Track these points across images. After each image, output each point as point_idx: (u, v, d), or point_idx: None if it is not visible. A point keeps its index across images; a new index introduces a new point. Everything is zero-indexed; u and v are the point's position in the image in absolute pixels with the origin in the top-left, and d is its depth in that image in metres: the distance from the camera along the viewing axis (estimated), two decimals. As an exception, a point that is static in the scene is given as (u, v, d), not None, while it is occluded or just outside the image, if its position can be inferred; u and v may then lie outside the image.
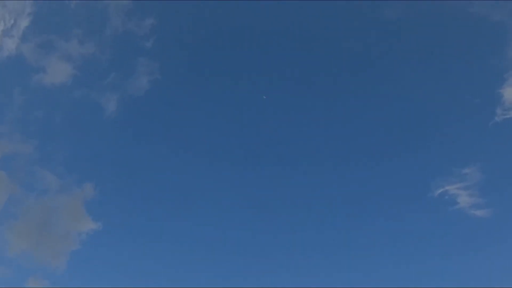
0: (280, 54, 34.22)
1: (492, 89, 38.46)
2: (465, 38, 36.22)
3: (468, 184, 37.71)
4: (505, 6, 35.70)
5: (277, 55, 34.15)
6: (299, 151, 34.31)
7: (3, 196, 30.06)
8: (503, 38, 35.85)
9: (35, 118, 31.77)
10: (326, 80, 35.23)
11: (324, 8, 34.34)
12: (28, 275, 28.40)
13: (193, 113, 32.61)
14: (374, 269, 34.16)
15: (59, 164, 30.90)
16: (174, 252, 30.37)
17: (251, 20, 33.79)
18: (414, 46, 35.85)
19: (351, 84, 35.51)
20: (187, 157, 31.86)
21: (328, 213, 34.68)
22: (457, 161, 37.96)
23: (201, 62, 33.47)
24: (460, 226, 37.41)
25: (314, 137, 35.02)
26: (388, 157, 36.38)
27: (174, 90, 33.12)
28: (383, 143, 36.51)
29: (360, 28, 35.12)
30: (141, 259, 30.15)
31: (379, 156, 36.09)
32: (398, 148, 37.00)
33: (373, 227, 35.31)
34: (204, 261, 30.32)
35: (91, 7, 32.80)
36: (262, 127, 32.95)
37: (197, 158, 31.83)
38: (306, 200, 33.82)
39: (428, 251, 36.26)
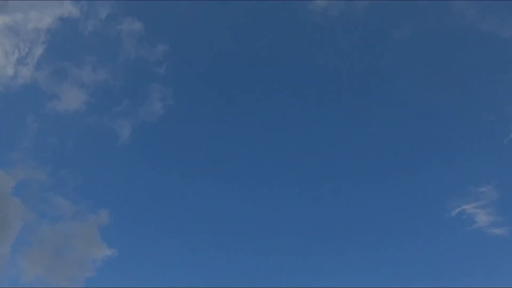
0: (296, 77, 34.59)
1: (506, 106, 38.12)
2: (477, 55, 36.07)
3: (485, 202, 37.23)
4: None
5: (293, 78, 34.41)
6: (314, 170, 34.18)
7: (18, 223, 30.11)
8: (515, 55, 35.75)
9: (49, 144, 31.98)
10: (339, 97, 35.35)
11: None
12: (43, 302, 28.30)
13: (207, 138, 32.75)
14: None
15: (73, 190, 30.95)
16: (189, 280, 30.14)
17: (264, 45, 34.14)
18: (426, 64, 35.80)
19: (364, 101, 35.51)
20: (202, 183, 31.86)
21: (343, 233, 34.31)
22: (472, 180, 37.47)
23: (215, 88, 33.69)
24: (479, 246, 36.75)
25: (326, 154, 34.89)
26: (403, 177, 36.02)
27: (188, 115, 33.26)
28: (397, 163, 36.23)
29: (372, 46, 35.26)
30: (155, 286, 29.98)
31: (394, 176, 35.77)
32: (413, 168, 36.64)
33: (390, 249, 34.83)
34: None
35: (104, 34, 33.23)
36: (278, 151, 33.00)
37: (211, 184, 31.84)
38: (318, 220, 33.63)
39: (448, 272, 35.60)
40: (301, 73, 34.69)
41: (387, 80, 36.26)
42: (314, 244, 32.77)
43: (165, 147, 32.48)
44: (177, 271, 30.31)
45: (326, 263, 32.65)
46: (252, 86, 33.78)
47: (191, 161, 32.47)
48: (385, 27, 35.21)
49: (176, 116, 32.77)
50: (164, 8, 34.14)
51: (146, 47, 32.71)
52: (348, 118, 35.51)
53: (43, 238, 30.40)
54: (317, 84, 34.89)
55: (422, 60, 36.55)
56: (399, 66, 36.02)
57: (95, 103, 32.42)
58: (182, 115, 32.96)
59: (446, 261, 36.00)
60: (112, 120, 31.95)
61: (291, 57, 34.77)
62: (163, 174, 31.99)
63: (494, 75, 36.72)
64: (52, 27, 32.99)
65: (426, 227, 36.30)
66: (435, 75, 36.58)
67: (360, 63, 35.30)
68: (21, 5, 32.90)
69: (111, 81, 32.52)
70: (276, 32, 34.56)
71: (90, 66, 32.47)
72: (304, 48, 34.88)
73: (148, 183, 31.68)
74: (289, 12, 34.71)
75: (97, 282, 29.76)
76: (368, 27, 35.64)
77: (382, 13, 35.16)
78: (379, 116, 35.87)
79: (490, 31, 36.03)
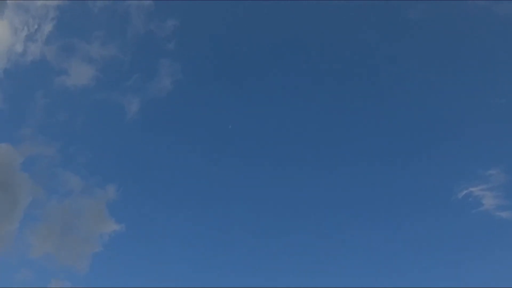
0: (303, 51, 34.15)
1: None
2: (491, 38, 35.63)
3: (492, 185, 36.97)
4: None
5: (299, 53, 34.04)
6: (320, 151, 34.10)
7: (27, 198, 30.25)
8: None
9: (58, 120, 32.07)
10: (346, 78, 35.04)
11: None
12: (51, 276, 28.49)
13: (216, 114, 32.67)
14: (399, 272, 33.70)
15: (81, 166, 31.07)
16: (196, 254, 30.29)
17: (273, 20, 33.82)
18: (438, 47, 35.44)
19: (373, 83, 35.28)
20: (211, 158, 31.88)
21: (352, 216, 34.31)
22: (481, 163, 37.23)
23: (224, 63, 33.52)
24: (486, 228, 36.63)
25: (334, 137, 34.81)
26: (412, 159, 35.88)
27: (197, 91, 33.17)
28: (407, 145, 36.05)
29: (383, 27, 34.88)
30: (163, 261, 30.15)
31: (403, 158, 35.65)
32: (422, 150, 36.44)
33: (397, 230, 34.79)
34: (227, 263, 30.25)
35: (113, 9, 33.06)
36: (286, 127, 32.84)
37: (220, 159, 31.85)
38: (325, 201, 33.60)
39: (454, 253, 35.54)
40: (308, 50, 34.53)
41: (397, 61, 35.94)
42: (319, 223, 32.89)
43: (174, 122, 32.49)
44: (185, 247, 30.52)
45: (332, 239, 32.69)
46: (261, 62, 33.64)
47: (199, 136, 32.49)
48: (399, 8, 34.80)
49: (185, 91, 32.71)
50: (173, -17, 33.93)
51: (155, 22, 32.56)
52: (358, 99, 35.29)
53: (51, 214, 30.65)
54: (322, 62, 34.75)
55: (434, 42, 36.16)
56: (410, 47, 35.68)
57: (104, 78, 32.37)
58: (191, 90, 32.92)
59: (451, 243, 35.94)
60: (121, 95, 31.96)
61: (299, 32, 34.47)
62: (171, 150, 32.07)
63: (507, 59, 36.30)
64: (61, 3, 32.90)
65: (433, 209, 36.19)
66: (447, 57, 36.25)
67: (370, 42, 34.99)
68: (30, -19, 32.78)
69: (120, 56, 32.47)
70: (285, 10, 34.27)
71: (99, 42, 32.37)
72: (314, 28, 34.68)
73: (156, 158, 31.76)
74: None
75: (104, 257, 30.02)
76: (381, 8, 35.25)
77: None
78: (389, 97, 35.71)
79: (504, 14, 35.58)
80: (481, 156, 36.91)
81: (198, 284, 29.05)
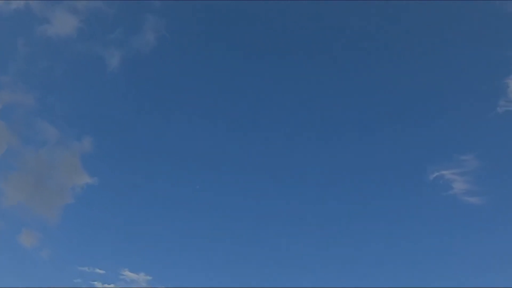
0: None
1: (498, 79, 38.32)
2: (475, 26, 35.98)
3: (464, 170, 37.73)
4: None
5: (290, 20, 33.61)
6: (297, 122, 34.20)
7: (2, 146, 30.07)
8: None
9: (38, 69, 31.63)
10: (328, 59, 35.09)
11: None
12: (22, 227, 28.68)
13: (199, 73, 32.52)
14: (364, 250, 34.52)
15: (59, 116, 30.90)
16: (168, 214, 30.59)
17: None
18: (421, 30, 35.71)
19: (352, 66, 35.43)
20: (189, 119, 31.91)
21: (320, 192, 34.87)
22: (456, 147, 37.93)
23: (210, 22, 33.18)
24: (453, 212, 37.52)
25: (313, 114, 34.94)
26: (388, 137, 36.41)
27: (181, 49, 32.86)
28: (384, 123, 36.51)
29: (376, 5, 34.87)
30: (135, 218, 30.44)
31: (379, 135, 36.13)
32: (398, 129, 37.05)
33: (366, 205, 35.58)
34: (200, 223, 30.51)
35: (101, -39, 32.42)
36: (269, 91, 32.78)
37: (200, 119, 31.87)
38: (292, 177, 33.86)
39: (419, 234, 36.50)
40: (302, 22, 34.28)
41: (378, 44, 36.16)
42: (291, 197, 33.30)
43: (155, 79, 32.28)
44: (156, 205, 30.79)
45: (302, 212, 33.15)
46: (249, 20, 33.24)
47: (180, 95, 32.42)
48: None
49: (168, 48, 32.42)
50: None
51: (142, -24, 32.08)
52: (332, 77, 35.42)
53: (26, 163, 30.55)
54: (316, 37, 34.66)
55: (416, 25, 36.36)
56: (392, 29, 35.83)
57: (87, 30, 31.88)
58: (174, 48, 32.60)
59: (416, 223, 36.86)
60: (103, 48, 31.56)
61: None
62: (150, 107, 32.02)
63: (491, 47, 36.70)
64: (47, -51, 32.18)
65: (403, 187, 36.98)
66: (429, 41, 36.56)
67: (363, 19, 34.97)
68: None
69: (105, 8, 31.96)
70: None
71: (85, -7, 31.83)
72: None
73: (134, 114, 31.71)
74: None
75: (75, 209, 30.19)
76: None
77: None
78: (364, 78, 35.98)
79: (491, 3, 35.94)
80: (456, 141, 37.63)
81: (167, 245, 29.73)
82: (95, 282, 28.17)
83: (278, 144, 32.89)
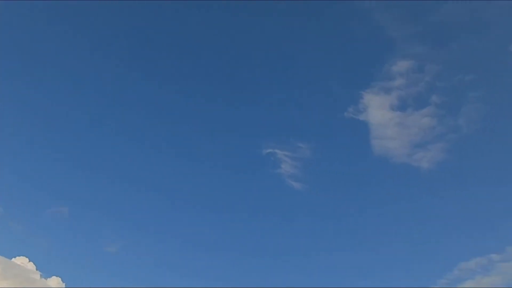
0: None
1: (352, 88, 42.98)
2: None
3: (296, 155, 41.90)
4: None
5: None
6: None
7: None
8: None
9: None
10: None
11: None
12: None
13: None
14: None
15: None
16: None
17: None
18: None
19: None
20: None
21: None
22: (295, 133, 42.00)
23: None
24: (274, 189, 41.83)
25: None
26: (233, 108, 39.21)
27: None
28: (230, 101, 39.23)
29: None
30: None
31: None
32: (246, 100, 40.03)
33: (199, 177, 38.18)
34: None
35: None
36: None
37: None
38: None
39: (238, 203, 40.31)
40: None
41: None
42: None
43: None
44: None
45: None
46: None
47: None
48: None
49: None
50: None
51: None
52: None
53: None
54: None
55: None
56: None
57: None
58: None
59: (241, 193, 40.61)
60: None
61: None
62: None
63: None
64: None
65: (238, 159, 40.34)
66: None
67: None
68: None
69: None
70: None
71: None
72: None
73: None
74: None
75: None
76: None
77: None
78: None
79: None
80: (298, 127, 41.65)
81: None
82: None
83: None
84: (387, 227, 42.22)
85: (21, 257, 34.15)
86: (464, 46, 43.60)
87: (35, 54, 43.13)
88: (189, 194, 38.88)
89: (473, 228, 41.09)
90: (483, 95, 42.31)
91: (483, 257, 37.09)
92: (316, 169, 41.61)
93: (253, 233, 39.19)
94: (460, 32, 44.55)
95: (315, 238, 41.14)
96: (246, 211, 39.22)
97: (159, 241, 37.13)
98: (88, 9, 42.46)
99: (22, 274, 32.41)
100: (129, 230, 38.14)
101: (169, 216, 39.03)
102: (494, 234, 39.81)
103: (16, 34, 42.02)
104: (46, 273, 34.55)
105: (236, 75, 41.35)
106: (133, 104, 40.90)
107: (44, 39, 43.34)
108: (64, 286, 35.43)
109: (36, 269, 34.14)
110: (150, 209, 39.57)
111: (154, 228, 38.33)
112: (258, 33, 41.16)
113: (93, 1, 44.97)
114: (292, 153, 40.10)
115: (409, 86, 43.26)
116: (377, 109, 42.42)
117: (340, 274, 38.42)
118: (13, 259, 33.62)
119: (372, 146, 42.38)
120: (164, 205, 39.03)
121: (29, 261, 34.17)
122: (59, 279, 35.45)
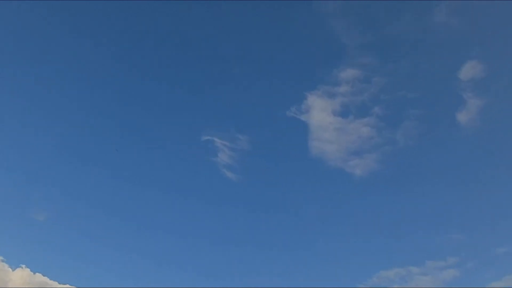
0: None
1: (300, 91, 43.97)
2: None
3: (235, 146, 42.57)
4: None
5: None
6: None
7: None
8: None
9: None
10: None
11: None
12: None
13: None
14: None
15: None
16: None
17: None
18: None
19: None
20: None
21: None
22: (234, 124, 42.80)
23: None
24: (206, 174, 42.51)
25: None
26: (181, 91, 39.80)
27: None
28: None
29: None
30: None
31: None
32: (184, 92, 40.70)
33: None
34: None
35: None
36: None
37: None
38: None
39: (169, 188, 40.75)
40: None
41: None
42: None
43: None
44: None
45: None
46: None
47: None
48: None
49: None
50: None
51: None
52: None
53: None
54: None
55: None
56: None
57: None
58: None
59: (173, 175, 41.14)
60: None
61: None
62: None
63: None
64: None
65: (175, 141, 40.85)
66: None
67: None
68: None
69: None
70: None
71: None
72: None
73: None
74: None
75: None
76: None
77: None
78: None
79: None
80: (238, 119, 42.45)
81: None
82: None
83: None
84: (315, 227, 43.42)
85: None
86: (413, 64, 45.29)
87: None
88: (121, 166, 38.96)
89: (397, 238, 42.54)
90: (423, 114, 44.01)
91: (403, 268, 38.52)
92: (252, 162, 42.52)
93: (182, 216, 39.70)
94: (411, 49, 46.27)
95: (244, 229, 41.94)
96: (176, 192, 39.77)
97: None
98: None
99: None
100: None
101: (103, 188, 39.18)
102: (416, 246, 41.37)
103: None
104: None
105: (190, 63, 41.81)
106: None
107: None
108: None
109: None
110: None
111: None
112: (214, 26, 41.73)
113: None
114: (230, 143, 40.93)
115: (354, 94, 44.65)
116: (319, 112, 43.70)
117: (262, 271, 39.33)
118: None
119: (309, 147, 43.61)
120: (98, 177, 39.04)
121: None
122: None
